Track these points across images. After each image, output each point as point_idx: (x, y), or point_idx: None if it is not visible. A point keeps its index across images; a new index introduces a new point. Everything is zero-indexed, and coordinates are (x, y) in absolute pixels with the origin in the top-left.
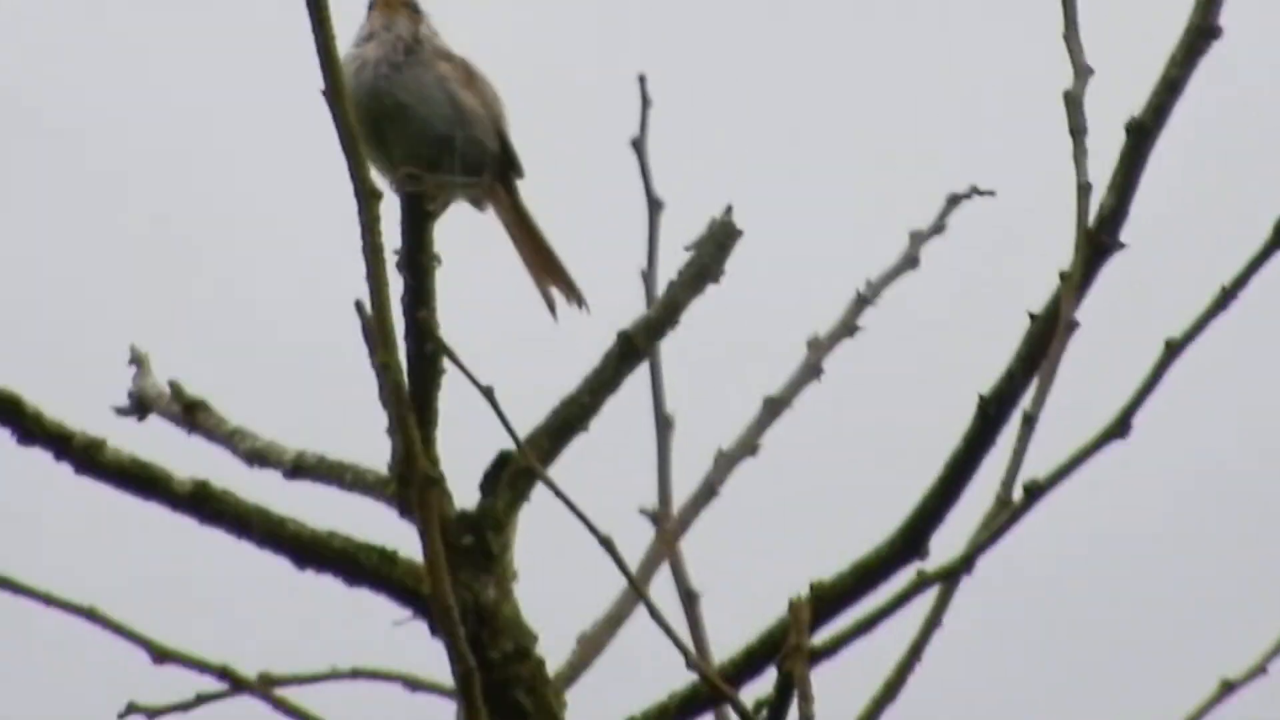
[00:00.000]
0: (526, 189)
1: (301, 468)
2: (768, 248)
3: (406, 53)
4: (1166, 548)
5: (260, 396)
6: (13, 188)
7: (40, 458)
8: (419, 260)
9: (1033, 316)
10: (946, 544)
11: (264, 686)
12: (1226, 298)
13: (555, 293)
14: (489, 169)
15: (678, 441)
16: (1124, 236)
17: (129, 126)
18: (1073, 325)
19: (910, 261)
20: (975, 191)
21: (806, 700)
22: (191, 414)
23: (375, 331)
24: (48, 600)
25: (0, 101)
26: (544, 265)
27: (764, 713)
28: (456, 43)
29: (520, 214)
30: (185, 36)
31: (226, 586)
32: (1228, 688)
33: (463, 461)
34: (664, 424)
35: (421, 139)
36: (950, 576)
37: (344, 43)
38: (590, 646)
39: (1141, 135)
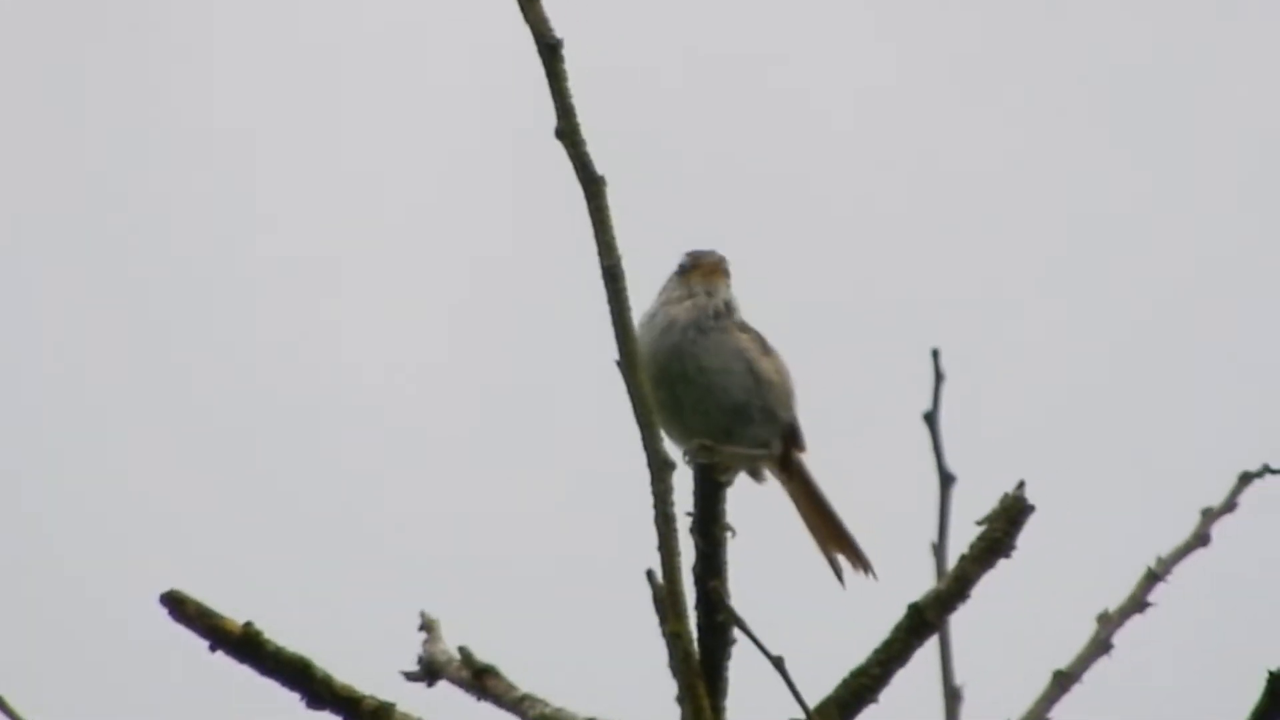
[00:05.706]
0: (820, 461)
1: None
2: (1059, 523)
3: (715, 316)
4: None
5: (550, 663)
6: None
7: None
8: (711, 531)
9: None
10: None
11: None
12: None
13: (843, 560)
14: (778, 438)
15: (966, 714)
16: None
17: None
18: None
19: (1201, 539)
20: (1268, 470)
21: None
22: (481, 680)
23: (666, 600)
24: None
25: None
26: (830, 533)
27: None
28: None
29: (807, 482)
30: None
31: None
32: None
33: None
34: (953, 696)
35: (719, 407)
36: None
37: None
38: None
39: None
